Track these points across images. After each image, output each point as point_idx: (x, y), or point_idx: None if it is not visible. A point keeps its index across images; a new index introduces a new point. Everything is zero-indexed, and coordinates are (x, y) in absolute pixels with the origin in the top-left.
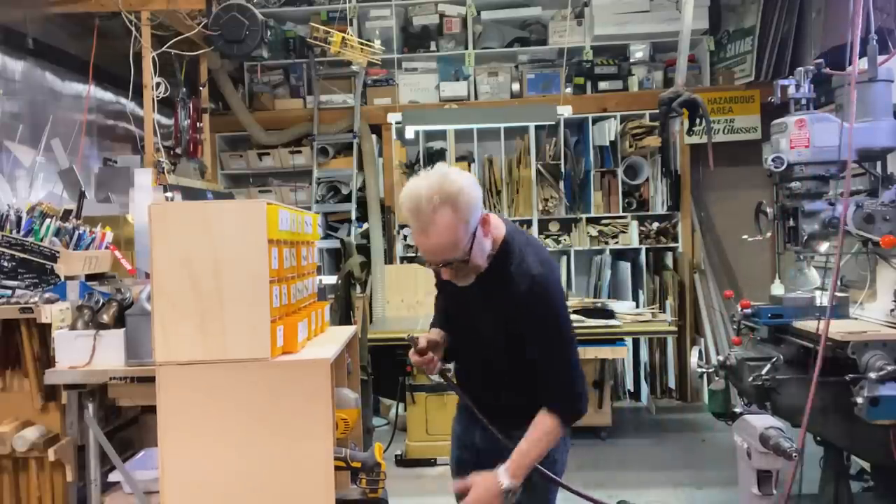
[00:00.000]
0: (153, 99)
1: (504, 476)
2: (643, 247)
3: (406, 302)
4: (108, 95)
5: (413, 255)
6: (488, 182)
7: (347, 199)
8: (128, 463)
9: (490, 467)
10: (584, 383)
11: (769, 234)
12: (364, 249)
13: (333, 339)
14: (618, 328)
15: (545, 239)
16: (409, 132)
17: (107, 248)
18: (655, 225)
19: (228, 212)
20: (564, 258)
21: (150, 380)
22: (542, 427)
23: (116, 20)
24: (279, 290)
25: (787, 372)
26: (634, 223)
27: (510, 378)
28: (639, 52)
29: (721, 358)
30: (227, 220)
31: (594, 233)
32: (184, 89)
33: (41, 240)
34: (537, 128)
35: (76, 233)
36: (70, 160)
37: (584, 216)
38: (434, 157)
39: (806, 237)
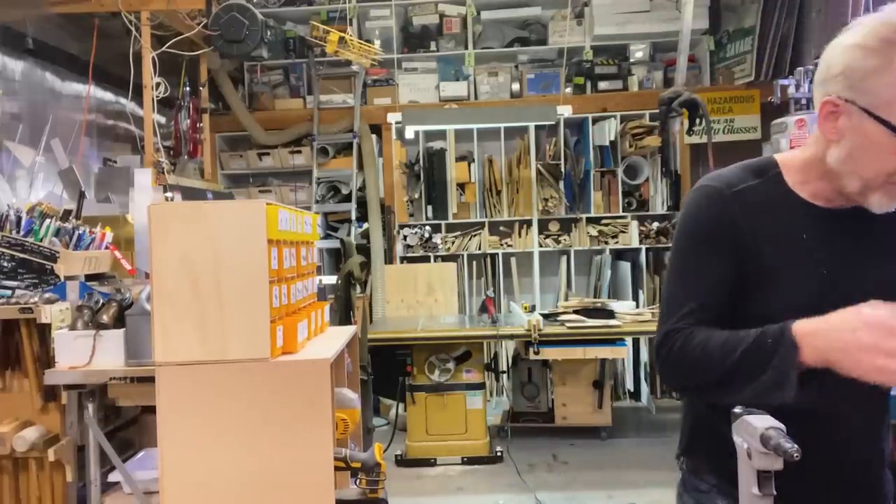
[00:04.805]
0: (153, 99)
1: None
2: (643, 247)
3: (406, 302)
4: (108, 95)
5: (413, 255)
6: (488, 182)
7: (347, 199)
8: (128, 463)
9: None
10: (667, 318)
11: None
12: (364, 249)
13: (333, 339)
14: (618, 328)
15: (545, 239)
16: (409, 132)
17: (107, 248)
18: (655, 225)
19: (228, 212)
20: (564, 258)
21: (150, 380)
22: None
23: (116, 20)
24: (279, 290)
25: None
26: (634, 223)
27: None
28: (639, 52)
29: None
30: (227, 220)
31: (594, 233)
32: (187, 88)
33: (41, 240)
34: (537, 128)
35: (76, 233)
36: (70, 160)
37: (584, 216)
38: (434, 157)
39: None
